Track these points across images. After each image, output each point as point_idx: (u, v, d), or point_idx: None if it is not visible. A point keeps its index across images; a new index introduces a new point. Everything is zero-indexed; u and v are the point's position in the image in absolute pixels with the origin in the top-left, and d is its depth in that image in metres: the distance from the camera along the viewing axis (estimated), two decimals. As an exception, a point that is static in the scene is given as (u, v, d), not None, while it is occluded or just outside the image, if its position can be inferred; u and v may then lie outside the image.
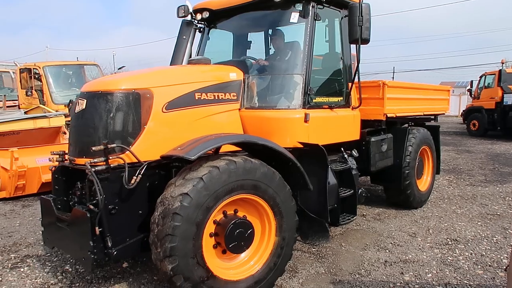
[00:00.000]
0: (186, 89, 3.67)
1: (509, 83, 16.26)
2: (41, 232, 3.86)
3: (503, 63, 17.62)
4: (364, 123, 5.17)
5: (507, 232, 5.10)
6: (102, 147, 3.09)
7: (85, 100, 3.42)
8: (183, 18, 5.02)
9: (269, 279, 3.45)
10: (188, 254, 2.94)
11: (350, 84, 4.63)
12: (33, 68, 12.43)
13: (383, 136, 5.47)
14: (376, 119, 5.45)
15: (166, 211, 2.95)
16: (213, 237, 3.23)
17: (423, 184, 6.41)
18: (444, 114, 7.65)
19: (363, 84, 4.80)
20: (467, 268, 4.05)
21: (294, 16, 4.22)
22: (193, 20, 5.03)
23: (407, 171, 5.70)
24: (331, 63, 4.86)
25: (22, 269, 4.10)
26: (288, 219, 3.52)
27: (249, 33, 5.22)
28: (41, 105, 10.82)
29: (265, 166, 3.38)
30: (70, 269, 4.07)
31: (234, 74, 4.11)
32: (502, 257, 4.31)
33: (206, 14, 4.85)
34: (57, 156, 3.67)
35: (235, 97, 4.07)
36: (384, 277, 3.87)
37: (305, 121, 4.04)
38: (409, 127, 6.07)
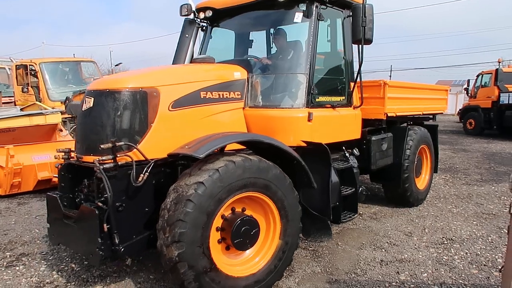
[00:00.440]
0: (192, 88, 3.70)
1: (505, 82, 16.32)
2: (47, 229, 3.88)
3: (499, 62, 17.65)
4: (365, 122, 5.22)
5: (502, 231, 5.12)
6: (110, 145, 3.12)
7: (93, 98, 3.44)
8: (186, 17, 5.04)
9: (268, 280, 3.47)
10: (195, 242, 2.98)
11: (352, 83, 4.68)
12: (29, 65, 12.37)
13: (384, 135, 5.55)
14: (377, 118, 5.52)
15: (179, 197, 3.00)
16: (219, 231, 3.26)
17: (421, 182, 6.50)
18: (442, 113, 7.73)
19: (364, 83, 4.84)
20: (462, 268, 4.07)
21: (298, 16, 4.25)
22: (195, 18, 5.05)
23: (406, 170, 5.77)
24: (333, 63, 4.91)
25: (17, 268, 4.09)
26: (293, 224, 3.59)
27: (251, 32, 5.26)
28: (37, 102, 10.76)
29: (278, 169, 3.46)
30: (66, 268, 4.06)
31: (238, 73, 4.14)
32: (497, 257, 4.33)
33: (209, 13, 4.88)
34: (63, 153, 3.71)
35: (239, 96, 4.11)
36: (380, 277, 3.88)
37: (309, 120, 4.10)
38: (409, 126, 6.14)
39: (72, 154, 3.68)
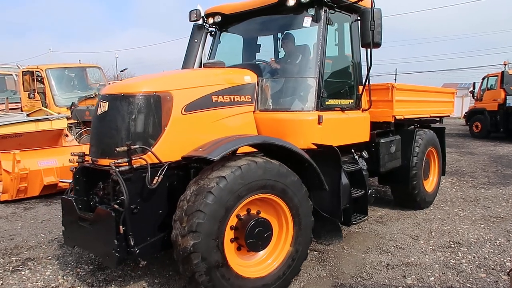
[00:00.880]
0: (204, 92, 3.75)
1: (511, 85, 16.20)
2: (62, 232, 3.93)
3: (505, 64, 17.55)
4: (373, 125, 5.24)
5: (510, 235, 5.06)
6: (125, 148, 3.18)
7: (107, 103, 3.50)
8: (195, 22, 5.11)
9: (275, 286, 3.46)
10: (211, 234, 3.01)
11: (361, 86, 4.73)
12: (36, 71, 12.48)
13: (392, 138, 5.58)
14: (385, 121, 5.56)
15: (200, 189, 3.07)
16: (233, 230, 3.29)
17: (429, 185, 6.50)
18: (449, 116, 7.73)
19: (372, 86, 4.88)
20: (470, 272, 4.02)
21: (307, 21, 4.31)
22: (204, 24, 5.12)
23: (414, 172, 5.79)
24: (342, 66, 4.97)
25: (23, 272, 4.09)
26: (305, 233, 3.62)
27: (258, 37, 5.33)
28: (43, 108, 10.87)
29: (296, 176, 3.53)
30: (71, 272, 4.06)
31: (249, 77, 4.19)
32: (505, 260, 4.28)
33: (218, 18, 4.97)
34: (77, 157, 3.77)
35: (250, 100, 4.16)
36: (386, 281, 3.85)
37: (319, 123, 4.14)
38: (416, 129, 6.16)
39: (87, 158, 3.74)
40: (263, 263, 3.50)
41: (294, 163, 3.64)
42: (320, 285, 3.76)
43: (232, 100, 3.97)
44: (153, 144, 3.39)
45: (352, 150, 4.75)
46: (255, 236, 3.30)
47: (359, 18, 4.30)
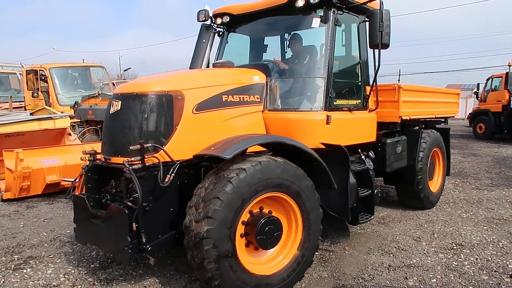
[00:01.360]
0: (214, 92, 3.80)
1: (516, 86, 16.12)
2: (73, 229, 3.97)
3: (510, 65, 17.41)
4: (380, 125, 5.27)
5: (513, 237, 5.03)
6: (138, 146, 3.23)
7: (120, 102, 3.56)
8: (203, 22, 5.14)
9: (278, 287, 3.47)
10: (225, 223, 3.06)
11: (369, 87, 4.76)
12: (40, 70, 12.53)
13: (398, 138, 5.62)
14: (391, 121, 5.60)
15: (219, 178, 3.15)
16: (244, 225, 3.34)
17: (434, 185, 6.54)
18: (453, 116, 7.76)
19: (379, 87, 4.90)
20: (472, 274, 4.00)
21: (316, 22, 4.34)
22: (212, 24, 5.16)
23: (420, 172, 5.83)
24: (349, 67, 5.01)
25: (25, 271, 4.10)
26: (313, 238, 3.66)
27: (266, 37, 5.37)
28: (46, 107, 10.88)
29: (310, 181, 3.60)
30: (72, 271, 4.07)
31: (258, 77, 4.24)
32: (508, 263, 4.25)
33: (226, 19, 5.02)
34: (89, 155, 3.82)
35: (259, 99, 4.20)
36: (388, 282, 3.83)
37: (327, 122, 4.18)
38: (422, 130, 6.18)
39: (98, 156, 3.79)
40: (269, 262, 3.53)
41: (302, 163, 3.67)
42: (321, 286, 3.75)
43: (242, 100, 4.02)
44: (165, 143, 3.44)
45: (359, 150, 4.79)
46: (265, 234, 3.34)
47: (367, 19, 4.34)
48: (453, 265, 4.20)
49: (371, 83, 4.75)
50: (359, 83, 4.90)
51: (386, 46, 4.19)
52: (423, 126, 6.54)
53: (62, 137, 8.39)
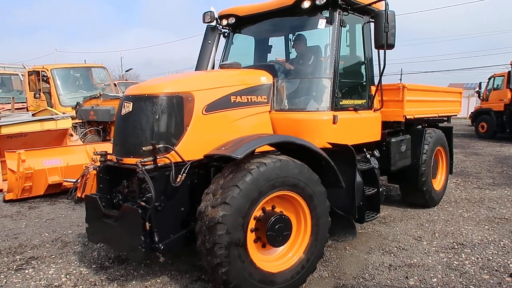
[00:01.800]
0: (223, 92, 3.85)
1: (518, 85, 16.06)
2: (85, 229, 4.00)
3: (512, 64, 17.38)
4: (384, 125, 5.30)
5: (514, 236, 5.02)
6: (151, 147, 3.29)
7: (131, 103, 3.61)
8: (208, 24, 5.18)
9: (281, 287, 3.49)
10: (241, 211, 3.12)
11: (374, 87, 4.81)
12: (42, 71, 12.57)
13: (402, 137, 5.68)
14: (396, 121, 5.64)
15: (239, 169, 3.23)
16: (256, 221, 3.39)
17: (437, 183, 6.58)
18: (456, 115, 7.80)
19: (383, 87, 4.92)
20: (473, 273, 3.99)
21: (322, 23, 4.39)
22: (218, 25, 5.20)
23: (423, 171, 5.88)
24: (355, 67, 5.05)
25: (26, 271, 4.13)
26: (319, 244, 3.70)
27: (270, 38, 5.41)
28: (48, 108, 10.93)
29: (323, 188, 3.68)
30: (74, 271, 4.09)
31: (265, 78, 4.29)
32: (509, 262, 4.25)
33: (232, 20, 5.07)
34: (100, 156, 3.87)
35: (266, 100, 4.25)
36: (389, 281, 3.83)
37: (334, 122, 4.22)
38: (425, 129, 6.22)
39: (109, 157, 3.83)
40: (276, 261, 3.57)
41: (309, 163, 3.69)
42: (322, 286, 3.76)
43: (249, 101, 4.07)
44: (176, 143, 3.50)
45: (364, 149, 4.82)
46: (275, 231, 3.38)
47: (372, 19, 4.37)
48: (454, 264, 4.20)
49: (376, 83, 4.79)
50: (364, 83, 4.96)
51: (391, 46, 4.24)
52: (426, 124, 6.58)
53: (64, 138, 8.43)
